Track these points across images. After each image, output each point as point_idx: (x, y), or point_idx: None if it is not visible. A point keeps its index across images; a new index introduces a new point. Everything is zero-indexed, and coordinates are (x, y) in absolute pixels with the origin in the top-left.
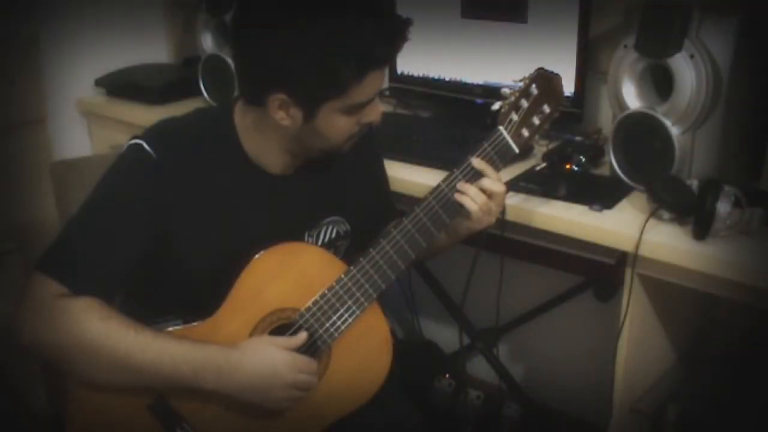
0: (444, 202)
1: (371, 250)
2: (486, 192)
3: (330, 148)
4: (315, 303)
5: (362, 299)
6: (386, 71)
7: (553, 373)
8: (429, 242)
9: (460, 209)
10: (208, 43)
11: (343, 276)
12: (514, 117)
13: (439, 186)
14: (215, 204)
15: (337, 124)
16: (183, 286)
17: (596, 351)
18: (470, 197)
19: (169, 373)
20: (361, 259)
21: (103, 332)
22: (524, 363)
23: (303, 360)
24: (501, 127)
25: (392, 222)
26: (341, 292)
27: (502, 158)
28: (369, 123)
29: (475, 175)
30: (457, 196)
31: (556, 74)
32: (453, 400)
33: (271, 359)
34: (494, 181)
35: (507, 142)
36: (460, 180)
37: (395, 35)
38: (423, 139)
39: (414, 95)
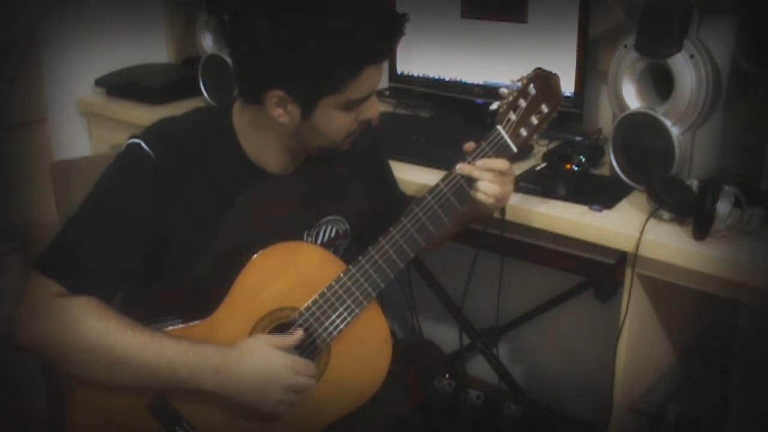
0: (443, 201)
1: (370, 249)
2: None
3: (328, 146)
4: (314, 302)
5: (361, 298)
6: (383, 67)
7: (553, 373)
8: (428, 241)
9: (458, 208)
10: (208, 43)
11: (342, 275)
12: (513, 116)
13: (438, 185)
14: (214, 203)
15: (334, 121)
16: (182, 286)
17: (596, 351)
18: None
19: (166, 373)
20: (360, 258)
21: (101, 332)
22: (524, 363)
23: (301, 362)
24: (499, 127)
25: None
26: (340, 291)
27: (500, 157)
28: (367, 120)
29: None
30: (474, 172)
31: (554, 74)
32: (453, 400)
33: (270, 362)
34: (502, 161)
35: (505, 142)
36: (458, 180)
37: (391, 30)
38: (423, 139)
39: (414, 95)
